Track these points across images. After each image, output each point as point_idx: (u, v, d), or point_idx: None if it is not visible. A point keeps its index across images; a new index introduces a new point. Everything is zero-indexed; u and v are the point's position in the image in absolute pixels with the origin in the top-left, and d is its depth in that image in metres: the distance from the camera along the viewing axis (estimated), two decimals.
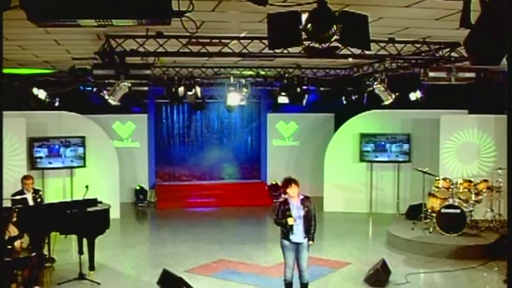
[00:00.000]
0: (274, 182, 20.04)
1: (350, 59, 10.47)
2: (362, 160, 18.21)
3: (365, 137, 18.11)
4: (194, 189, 20.32)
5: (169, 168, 21.38)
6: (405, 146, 17.86)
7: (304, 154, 20.84)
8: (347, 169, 18.42)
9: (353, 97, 19.74)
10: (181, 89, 14.48)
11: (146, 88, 18.97)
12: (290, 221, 9.51)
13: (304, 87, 15.34)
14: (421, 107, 17.39)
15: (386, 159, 18.02)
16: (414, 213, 15.17)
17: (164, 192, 20.01)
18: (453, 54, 10.79)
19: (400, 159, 17.90)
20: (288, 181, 9.76)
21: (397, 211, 17.50)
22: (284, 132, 21.01)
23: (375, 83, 13.70)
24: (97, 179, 16.00)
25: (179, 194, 19.87)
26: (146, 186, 19.95)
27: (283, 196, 10.03)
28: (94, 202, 11.80)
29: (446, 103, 16.41)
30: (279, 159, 20.80)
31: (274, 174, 20.23)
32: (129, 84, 11.49)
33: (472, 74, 10.77)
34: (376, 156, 18.08)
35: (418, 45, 10.59)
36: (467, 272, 12.01)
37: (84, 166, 16.53)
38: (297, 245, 9.69)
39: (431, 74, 10.53)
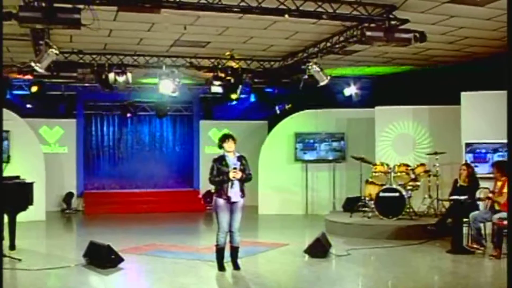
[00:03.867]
0: (207, 190, 19.49)
1: (286, 16, 10.14)
2: (297, 160, 17.86)
3: (300, 137, 17.84)
4: (124, 196, 19.61)
5: (99, 174, 20.67)
6: (340, 145, 17.68)
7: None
8: (282, 170, 18.06)
9: (286, 106, 19.81)
10: (111, 75, 13.95)
11: (74, 93, 18.69)
12: (234, 174, 9.18)
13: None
14: (356, 106, 17.44)
15: (320, 158, 17.73)
16: (352, 204, 14.84)
17: (94, 199, 19.18)
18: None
19: (335, 158, 17.66)
20: (226, 136, 9.57)
21: (333, 210, 17.14)
22: (217, 139, 20.52)
23: (311, 63, 13.46)
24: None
25: (109, 200, 19.10)
26: (73, 193, 19.03)
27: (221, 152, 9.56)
28: (15, 178, 11.06)
29: (381, 99, 16.40)
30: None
31: (206, 182, 19.52)
32: (57, 52, 10.97)
33: (409, 35, 10.62)
34: (311, 156, 17.79)
35: (355, 6, 10.40)
36: (409, 248, 11.72)
37: (8, 162, 15.48)
38: (232, 204, 9.32)
39: (368, 33, 10.31)
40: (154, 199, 19.62)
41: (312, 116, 18.03)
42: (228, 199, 9.25)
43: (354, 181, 15.54)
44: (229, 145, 9.39)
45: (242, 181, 9.36)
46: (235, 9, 9.88)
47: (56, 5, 8.89)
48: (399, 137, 15.62)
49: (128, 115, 19.55)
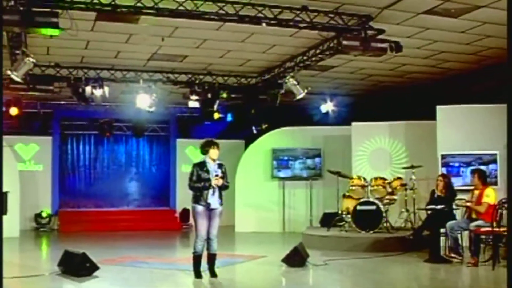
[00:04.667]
0: (184, 208, 19.39)
1: (264, 24, 10.22)
2: (273, 177, 17.85)
3: (276, 154, 17.84)
4: (100, 215, 19.37)
5: (75, 193, 20.44)
6: (315, 163, 17.70)
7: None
8: (259, 188, 18.01)
9: (263, 126, 19.85)
10: (88, 89, 13.87)
11: (51, 111, 18.58)
12: (217, 181, 9.14)
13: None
14: (332, 123, 17.54)
15: (297, 175, 17.74)
16: (329, 219, 14.80)
17: (69, 217, 18.90)
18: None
19: (312, 175, 17.67)
20: (212, 142, 9.48)
21: (310, 226, 17.09)
22: (194, 158, 20.44)
23: (287, 77, 13.55)
24: None
25: (85, 218, 18.87)
26: (48, 212, 18.78)
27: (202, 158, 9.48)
28: None
29: (358, 115, 16.53)
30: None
31: (183, 200, 19.48)
32: (34, 60, 10.94)
33: (385, 45, 10.72)
34: (288, 174, 17.80)
35: (331, 15, 10.51)
36: (386, 258, 11.73)
37: None
38: (211, 211, 9.26)
39: (345, 42, 10.39)
40: (130, 218, 19.44)
41: (288, 133, 18.08)
42: (208, 205, 9.18)
43: (331, 198, 15.52)
44: (215, 152, 9.34)
45: (221, 188, 9.31)
46: (213, 17, 9.90)
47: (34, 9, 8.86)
48: (376, 152, 15.70)
49: (108, 134, 19.40)
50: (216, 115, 17.29)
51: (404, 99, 16.71)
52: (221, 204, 9.35)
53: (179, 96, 16.99)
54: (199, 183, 9.17)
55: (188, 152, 20.35)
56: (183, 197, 19.50)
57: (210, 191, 9.16)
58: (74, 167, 20.53)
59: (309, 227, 16.25)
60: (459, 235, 10.88)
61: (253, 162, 18.21)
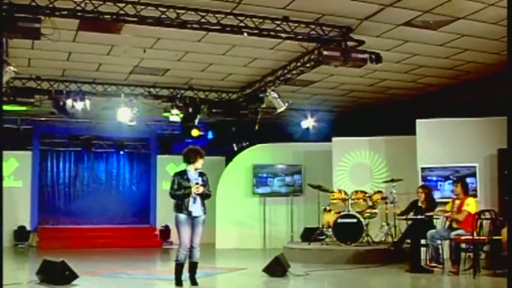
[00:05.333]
0: (164, 225, 19.31)
1: (245, 34, 10.29)
2: (254, 193, 17.84)
3: (256, 171, 17.85)
4: (80, 232, 19.23)
5: (54, 210, 20.32)
6: (294, 179, 17.74)
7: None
8: (240, 204, 17.99)
9: (244, 144, 19.89)
10: (69, 102, 13.83)
11: (31, 127, 18.51)
12: (197, 189, 9.10)
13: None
14: (313, 140, 17.62)
15: (278, 192, 17.75)
16: (310, 234, 14.80)
17: (48, 234, 18.73)
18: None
19: (293, 191, 17.69)
20: (200, 152, 9.48)
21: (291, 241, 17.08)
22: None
23: (268, 91, 13.62)
24: None
25: (64, 235, 18.71)
26: (27, 228, 18.60)
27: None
28: None
29: (339, 131, 16.63)
30: (168, 202, 19.98)
31: (163, 218, 19.43)
32: (15, 69, 10.88)
33: (365, 55, 10.82)
34: (268, 190, 17.80)
35: (312, 26, 10.61)
36: (368, 269, 11.77)
37: None
38: (194, 219, 9.22)
39: (325, 52, 10.47)
40: (110, 235, 19.27)
41: (269, 149, 18.12)
42: (189, 213, 9.14)
43: (312, 213, 15.57)
44: (200, 162, 9.37)
45: (203, 197, 9.28)
46: (195, 26, 9.95)
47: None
48: (356, 167, 15.79)
49: (93, 149, 19.37)
50: (196, 132, 17.26)
51: (384, 115, 16.84)
52: (204, 212, 9.31)
53: (160, 112, 16.95)
54: (180, 191, 9.14)
55: (168, 169, 20.28)
56: (163, 214, 19.49)
57: (191, 199, 9.12)
58: (54, 184, 20.40)
59: (290, 242, 16.22)
60: (439, 245, 10.92)
61: (233, 178, 18.20)
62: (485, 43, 11.66)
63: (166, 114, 15.49)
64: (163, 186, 19.93)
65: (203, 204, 9.29)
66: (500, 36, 11.22)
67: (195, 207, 9.16)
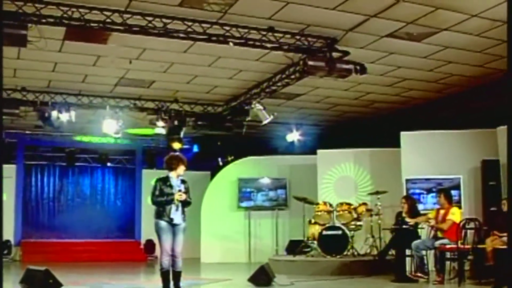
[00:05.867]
0: (148, 240, 19.25)
1: (231, 44, 10.36)
2: (239, 207, 17.83)
3: (242, 184, 17.86)
4: (64, 246, 19.10)
5: (38, 224, 20.19)
6: (279, 194, 17.77)
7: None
8: (225, 218, 17.97)
9: (229, 158, 19.97)
10: (54, 113, 13.81)
11: (15, 140, 18.44)
12: (180, 196, 9.08)
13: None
14: (298, 153, 17.68)
15: (263, 206, 17.76)
16: (295, 247, 14.81)
17: (32, 247, 18.58)
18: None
19: (278, 205, 17.71)
20: (181, 159, 9.47)
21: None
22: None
23: (254, 103, 13.68)
24: None
25: (48, 249, 18.55)
26: (11, 242, 18.45)
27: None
28: None
29: (323, 145, 16.71)
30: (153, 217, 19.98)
31: (148, 232, 19.31)
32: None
33: (350, 66, 10.90)
34: (254, 203, 17.80)
35: (297, 37, 10.69)
36: (353, 280, 11.78)
37: None
38: (175, 227, 9.19)
39: (310, 63, 10.55)
40: (94, 249, 19.19)
41: (254, 163, 18.14)
42: (170, 220, 9.11)
43: (298, 227, 15.60)
44: (182, 169, 9.35)
45: (184, 204, 9.29)
46: (181, 35, 10.01)
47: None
48: (341, 179, 15.84)
49: (77, 164, 19.34)
50: (177, 145, 17.29)
51: (369, 127, 16.94)
52: (184, 220, 9.27)
53: (146, 125, 16.95)
54: (162, 198, 9.15)
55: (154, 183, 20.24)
56: (148, 228, 19.30)
57: (173, 206, 9.10)
58: (38, 198, 20.29)
59: (275, 255, 16.21)
60: (424, 255, 10.96)
61: (218, 192, 18.20)
62: (468, 55, 11.81)
63: (147, 131, 15.46)
64: (148, 200, 19.78)
65: (183, 212, 9.26)
66: (482, 48, 11.39)
67: (177, 215, 9.12)
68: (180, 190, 9.12)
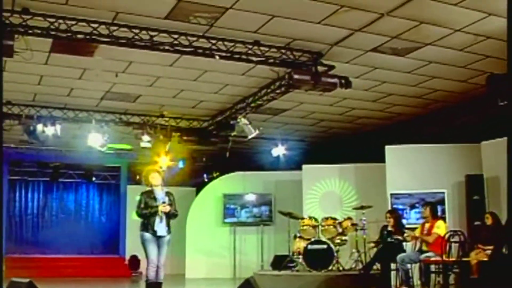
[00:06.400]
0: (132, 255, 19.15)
1: (217, 57, 10.41)
2: (225, 223, 17.81)
3: (227, 199, 17.85)
4: (48, 261, 18.92)
5: (22, 239, 20.07)
6: (263, 211, 17.78)
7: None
8: (210, 233, 17.94)
9: (215, 174, 19.99)
10: (39, 127, 13.80)
11: None
12: (164, 208, 9.29)
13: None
14: (284, 168, 17.73)
15: (248, 222, 17.75)
16: (280, 262, 14.79)
17: (15, 263, 18.27)
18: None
19: (262, 221, 17.70)
20: (151, 170, 9.82)
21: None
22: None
23: (239, 117, 13.73)
24: None
25: (32, 264, 18.28)
26: None
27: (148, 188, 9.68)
28: None
29: (309, 160, 16.77)
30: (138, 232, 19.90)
31: (132, 248, 19.23)
32: None
33: (335, 80, 10.97)
34: (239, 219, 17.79)
35: (283, 51, 10.76)
36: None
37: None
38: (159, 238, 9.34)
39: (296, 76, 10.60)
40: (78, 264, 19.08)
41: (240, 178, 18.16)
42: (155, 233, 9.22)
43: (283, 242, 15.58)
44: (155, 177, 9.55)
45: (169, 216, 9.36)
46: (168, 47, 10.04)
47: None
48: (326, 195, 15.89)
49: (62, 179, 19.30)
50: (166, 161, 17.37)
51: (354, 142, 17.03)
52: (168, 232, 9.43)
53: (131, 141, 16.96)
54: (146, 210, 9.22)
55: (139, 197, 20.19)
56: (132, 244, 19.29)
57: (157, 218, 9.26)
58: (22, 212, 20.19)
59: (260, 270, 16.18)
60: (409, 268, 11.00)
61: (204, 208, 18.19)
62: (452, 70, 11.92)
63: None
64: (133, 216, 19.69)
65: (168, 224, 9.42)
66: (465, 63, 11.52)
67: (161, 227, 9.32)
68: (164, 202, 9.27)
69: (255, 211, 17.87)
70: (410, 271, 11.01)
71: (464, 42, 10.35)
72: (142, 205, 9.38)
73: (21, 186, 20.38)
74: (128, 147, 17.14)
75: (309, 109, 15.19)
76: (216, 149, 16.16)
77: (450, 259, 10.34)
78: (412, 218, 13.61)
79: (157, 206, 9.28)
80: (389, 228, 11.93)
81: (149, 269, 9.24)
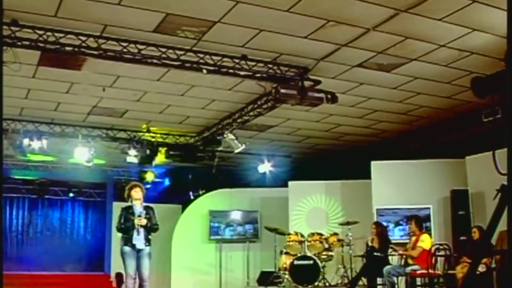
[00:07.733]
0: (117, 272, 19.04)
1: (204, 71, 10.47)
2: (210, 240, 17.77)
3: (213, 216, 17.83)
4: (32, 278, 18.71)
5: (6, 256, 19.76)
6: (247, 229, 17.76)
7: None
8: (196, 250, 17.86)
9: (201, 191, 19.99)
10: (26, 140, 13.78)
11: None
12: (139, 221, 9.54)
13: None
14: (270, 185, 17.77)
15: (234, 238, 17.74)
16: (266, 278, 14.80)
17: None
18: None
19: (249, 238, 17.70)
20: (133, 185, 10.06)
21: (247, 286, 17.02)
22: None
23: (226, 132, 13.79)
24: None
25: (15, 281, 18.00)
26: None
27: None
28: None
29: (295, 176, 16.85)
30: None
31: (118, 265, 19.08)
32: None
33: (321, 95, 11.04)
34: (225, 235, 17.76)
35: (270, 65, 10.84)
36: None
37: None
38: (138, 252, 9.57)
39: (282, 91, 10.67)
40: (63, 282, 18.88)
41: (226, 195, 18.15)
42: (133, 246, 9.46)
43: (269, 259, 15.58)
44: (136, 192, 9.80)
45: (147, 230, 9.58)
46: (155, 61, 10.09)
47: None
48: (312, 211, 15.92)
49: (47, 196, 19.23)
50: (150, 176, 17.39)
51: (340, 159, 17.13)
52: (146, 245, 9.60)
53: (116, 157, 16.94)
54: (125, 224, 9.59)
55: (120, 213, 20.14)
56: (118, 261, 19.09)
57: (135, 232, 9.48)
58: (6, 229, 20.06)
59: (246, 286, 16.15)
60: (395, 281, 11.04)
61: (190, 225, 18.12)
62: (437, 86, 12.04)
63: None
64: (118, 233, 19.71)
65: (146, 237, 9.60)
66: (450, 79, 11.64)
67: (139, 240, 9.53)
68: (140, 216, 9.44)
69: (239, 230, 17.81)
70: (396, 285, 11.03)
71: (448, 57, 10.47)
72: (122, 220, 9.69)
73: (5, 203, 20.24)
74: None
75: (295, 125, 15.26)
76: (202, 165, 16.17)
77: (436, 272, 10.39)
78: (396, 235, 13.69)
79: (134, 220, 9.41)
80: (374, 244, 11.93)
81: (127, 282, 9.52)
